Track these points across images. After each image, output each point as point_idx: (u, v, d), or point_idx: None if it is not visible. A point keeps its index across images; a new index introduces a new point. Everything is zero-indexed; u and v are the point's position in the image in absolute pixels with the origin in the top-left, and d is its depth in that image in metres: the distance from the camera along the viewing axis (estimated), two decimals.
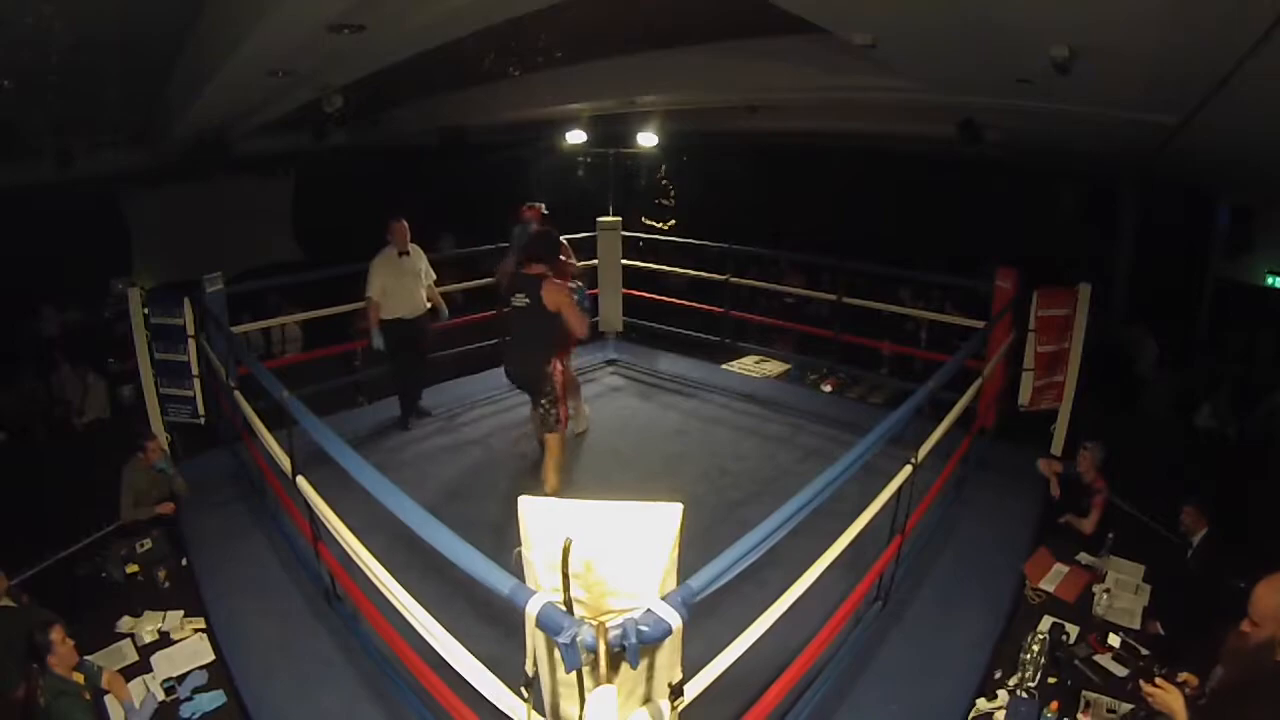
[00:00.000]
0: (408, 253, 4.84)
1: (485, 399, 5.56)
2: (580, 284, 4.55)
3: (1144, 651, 2.98)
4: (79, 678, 2.63)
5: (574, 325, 3.72)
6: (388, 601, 2.25)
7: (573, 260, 4.78)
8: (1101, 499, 3.78)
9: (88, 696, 2.61)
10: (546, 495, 3.96)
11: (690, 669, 1.79)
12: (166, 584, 3.49)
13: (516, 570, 1.53)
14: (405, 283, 4.83)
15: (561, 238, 4.23)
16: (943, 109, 5.60)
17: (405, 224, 4.84)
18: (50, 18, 3.53)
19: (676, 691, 1.52)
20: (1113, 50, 3.17)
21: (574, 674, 1.35)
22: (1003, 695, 2.77)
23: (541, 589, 1.45)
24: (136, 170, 7.62)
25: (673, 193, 11.20)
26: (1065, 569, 3.49)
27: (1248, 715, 1.87)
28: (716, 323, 6.43)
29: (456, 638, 1.97)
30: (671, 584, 1.46)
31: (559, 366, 3.81)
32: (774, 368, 6.37)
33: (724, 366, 6.36)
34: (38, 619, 2.65)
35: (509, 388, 5.60)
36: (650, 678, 1.47)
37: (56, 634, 2.55)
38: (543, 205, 5.09)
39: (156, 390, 4.54)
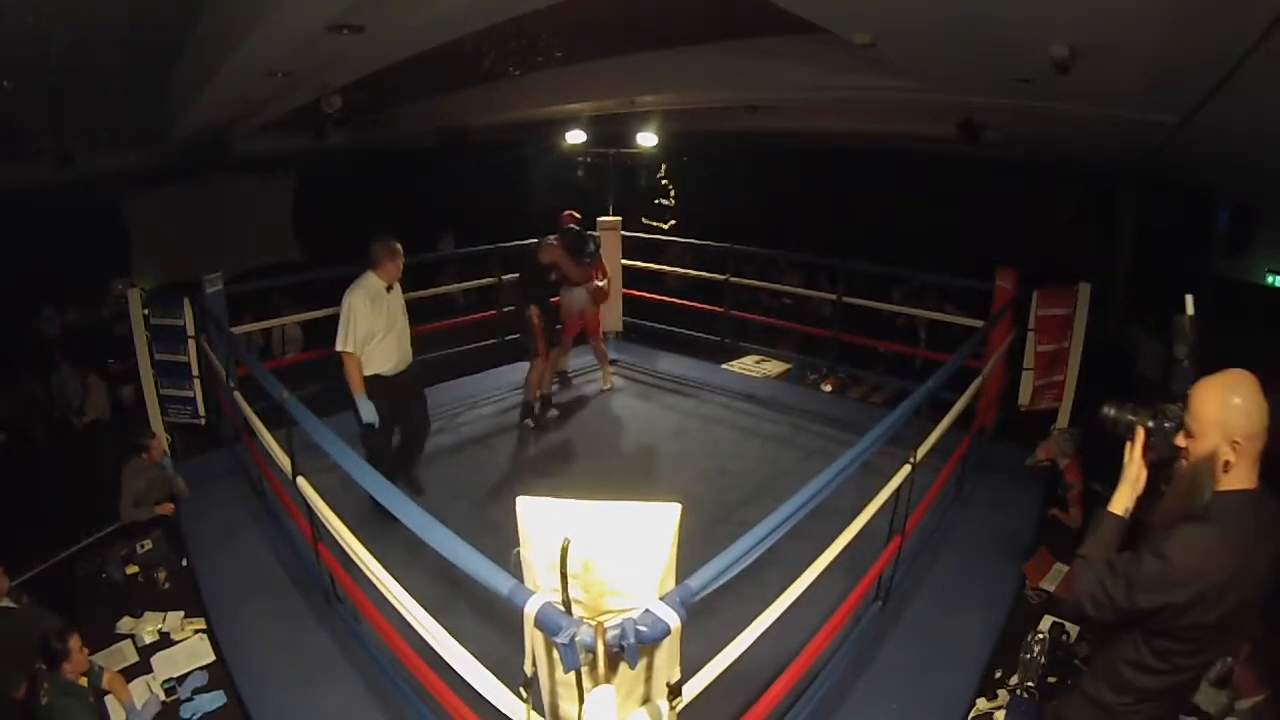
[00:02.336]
0: (392, 286, 3.81)
1: (485, 399, 5.57)
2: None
3: None
4: (83, 681, 2.63)
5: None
6: (388, 601, 2.25)
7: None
8: (1076, 493, 3.78)
9: (92, 700, 2.62)
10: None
11: (689, 669, 1.79)
12: (166, 584, 3.50)
13: (516, 570, 1.53)
14: (397, 326, 3.81)
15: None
16: (943, 109, 5.60)
17: (400, 249, 3.76)
18: (50, 17, 3.53)
19: (675, 691, 1.52)
20: (1113, 50, 3.17)
21: (573, 674, 1.35)
22: (1003, 695, 2.78)
23: (540, 589, 1.45)
24: (136, 170, 7.62)
25: (673, 193, 11.20)
26: (1065, 569, 3.49)
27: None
28: (716, 323, 6.43)
29: (456, 638, 1.98)
30: (670, 584, 1.46)
31: None
32: (774, 368, 6.38)
33: (724, 366, 6.36)
34: (54, 626, 2.68)
35: (509, 387, 5.65)
36: (649, 678, 1.47)
37: (75, 642, 2.58)
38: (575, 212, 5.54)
39: (156, 390, 4.54)
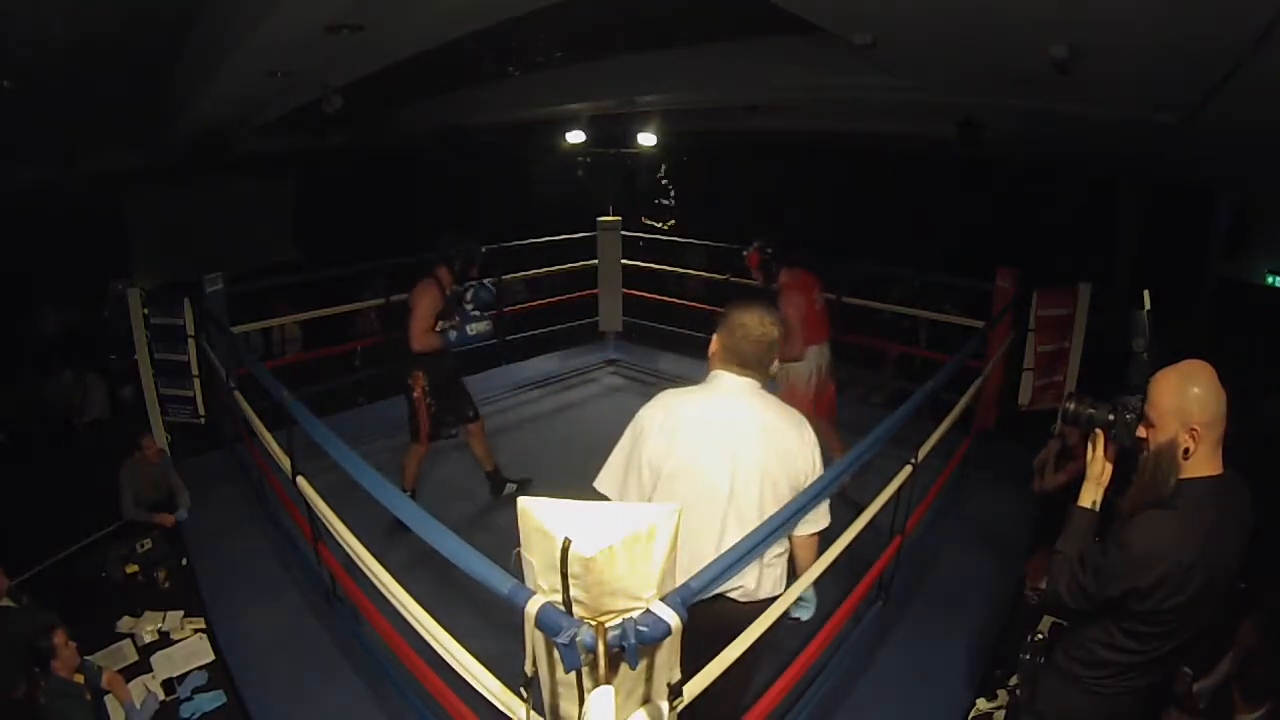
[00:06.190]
0: None
1: (484, 399, 5.56)
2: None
3: None
4: (79, 678, 2.63)
5: None
6: (388, 601, 2.24)
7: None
8: (1075, 465, 3.79)
9: (88, 697, 2.61)
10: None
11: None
12: (166, 584, 3.50)
13: (516, 570, 1.52)
14: None
15: None
16: (942, 109, 5.60)
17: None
18: (51, 17, 3.53)
19: (675, 692, 1.52)
20: (1113, 49, 3.17)
21: (573, 674, 1.35)
22: (1002, 695, 2.77)
23: (540, 589, 1.45)
24: (136, 170, 7.62)
25: (673, 193, 11.21)
26: None
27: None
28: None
29: (456, 638, 1.98)
30: (670, 584, 1.46)
31: None
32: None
33: None
34: (37, 624, 2.65)
35: (508, 388, 5.66)
36: (649, 678, 1.47)
37: (59, 638, 2.56)
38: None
39: (156, 390, 4.54)
